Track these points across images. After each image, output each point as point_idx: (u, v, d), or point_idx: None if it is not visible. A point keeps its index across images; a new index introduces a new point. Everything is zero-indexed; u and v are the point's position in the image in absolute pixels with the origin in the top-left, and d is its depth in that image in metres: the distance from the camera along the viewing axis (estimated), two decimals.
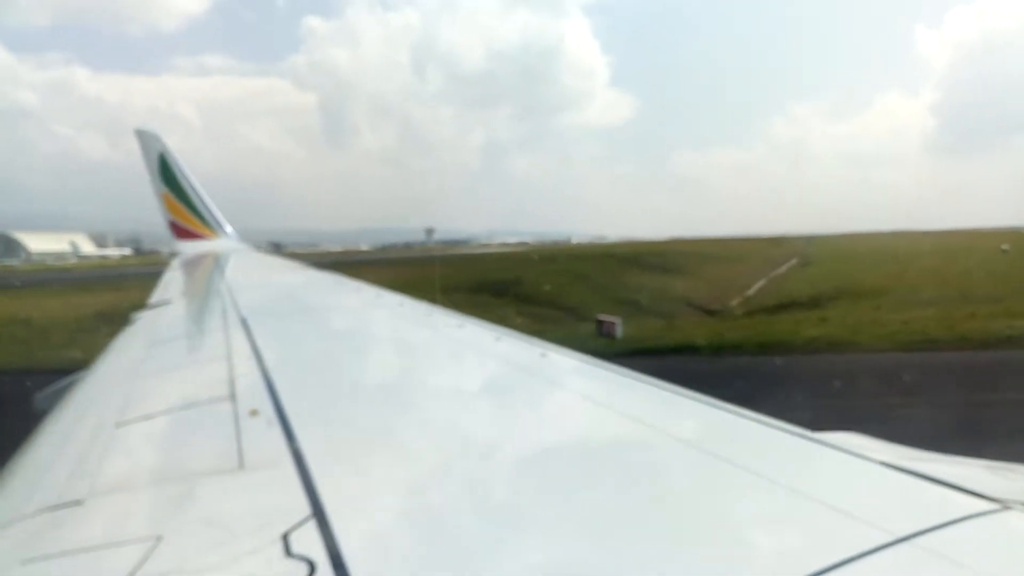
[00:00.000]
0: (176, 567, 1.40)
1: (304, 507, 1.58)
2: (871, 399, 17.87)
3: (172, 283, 9.72)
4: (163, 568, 1.40)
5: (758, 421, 2.22)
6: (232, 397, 2.68)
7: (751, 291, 51.41)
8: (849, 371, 21.67)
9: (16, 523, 1.86)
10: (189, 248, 15.46)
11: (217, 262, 12.20)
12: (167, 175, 15.90)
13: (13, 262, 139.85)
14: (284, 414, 2.38)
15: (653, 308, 39.80)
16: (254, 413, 2.41)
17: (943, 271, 51.72)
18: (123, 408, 2.82)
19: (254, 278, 9.94)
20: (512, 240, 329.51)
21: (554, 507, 1.59)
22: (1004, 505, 1.50)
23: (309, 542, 1.41)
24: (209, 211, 16.34)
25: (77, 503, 1.87)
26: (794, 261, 79.75)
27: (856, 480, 1.77)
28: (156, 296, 7.86)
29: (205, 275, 10.83)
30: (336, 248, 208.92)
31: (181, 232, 16.07)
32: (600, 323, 30.16)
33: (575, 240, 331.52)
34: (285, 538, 1.44)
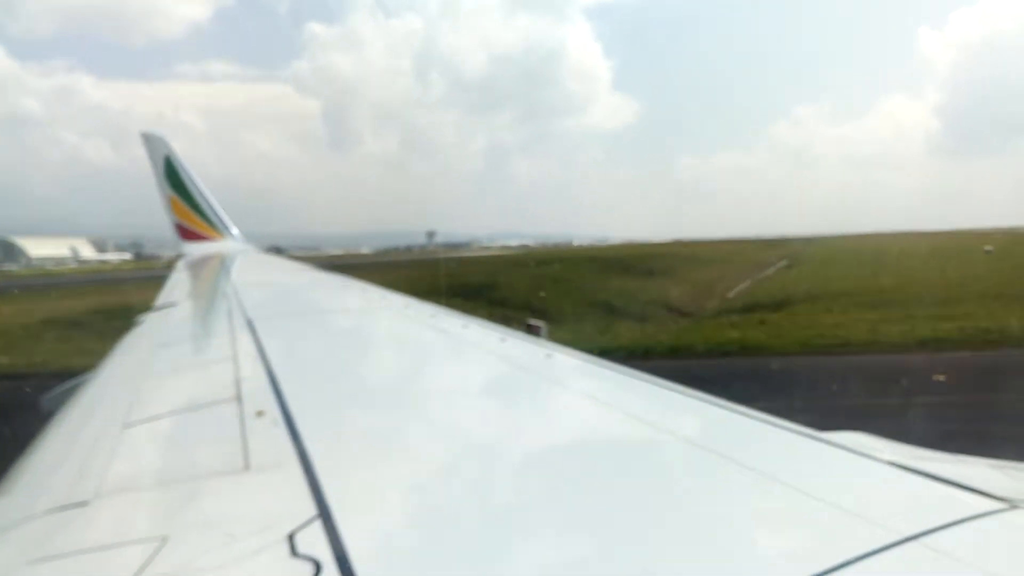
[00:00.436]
0: (182, 567, 1.40)
1: (310, 508, 1.59)
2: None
3: (178, 285, 9.74)
4: (169, 568, 1.40)
5: (764, 421, 2.22)
6: (238, 398, 2.69)
7: (732, 293, 51.57)
8: (708, 375, 21.21)
9: (23, 524, 1.86)
10: (195, 250, 15.46)
11: (223, 263, 12.24)
12: (173, 178, 16.03)
13: (12, 267, 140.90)
14: (290, 415, 2.38)
15: (627, 311, 39.98)
16: (260, 414, 2.42)
17: (917, 273, 51.61)
18: (129, 409, 2.82)
19: (260, 279, 9.94)
20: (513, 243, 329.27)
21: (560, 507, 1.60)
22: (1011, 504, 1.50)
23: (315, 542, 1.42)
24: (215, 213, 16.42)
25: (83, 504, 1.87)
26: (783, 263, 79.83)
27: (863, 480, 1.77)
28: (162, 298, 7.91)
29: (211, 277, 10.90)
30: (337, 251, 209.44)
31: (187, 234, 16.15)
32: (529, 327, 30.54)
33: (577, 242, 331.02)
34: (291, 538, 1.44)
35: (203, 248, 15.56)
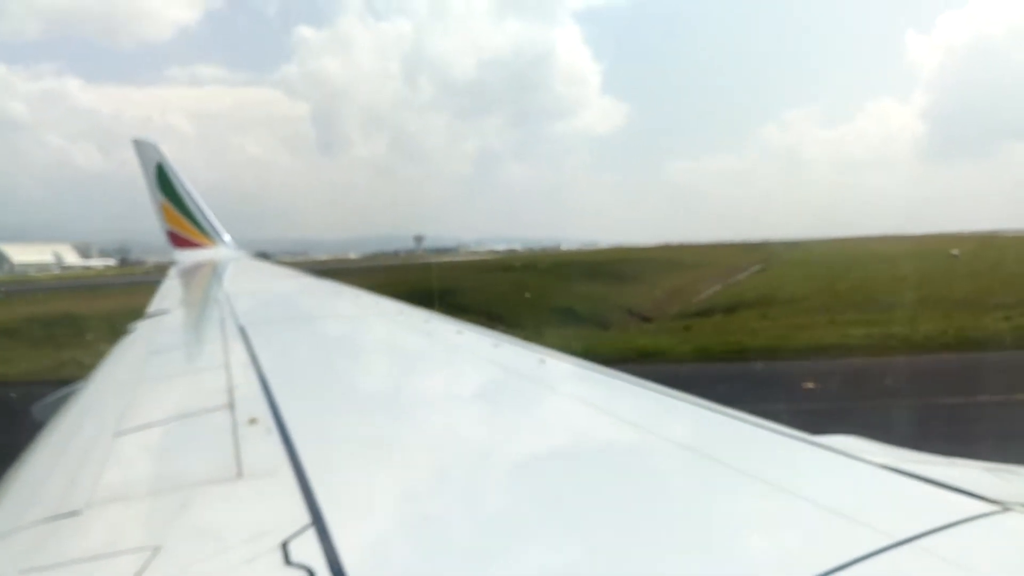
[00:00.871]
0: None
1: (303, 515, 1.58)
2: None
3: (170, 292, 9.71)
4: None
5: (757, 425, 2.23)
6: (231, 406, 2.68)
7: (699, 297, 52.42)
8: None
9: (14, 534, 1.84)
10: (188, 257, 15.30)
11: (215, 270, 12.19)
12: (165, 184, 15.91)
13: None
14: (283, 422, 2.38)
15: (590, 316, 40.75)
16: (253, 422, 2.41)
17: (871, 278, 51.57)
18: (121, 417, 2.81)
19: (252, 286, 9.91)
20: (501, 247, 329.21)
21: (554, 514, 1.60)
22: (1004, 507, 1.50)
23: (308, 551, 1.41)
24: (207, 220, 16.28)
25: (75, 513, 1.86)
26: (757, 268, 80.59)
27: (856, 483, 1.77)
28: (154, 305, 7.89)
29: (203, 283, 10.86)
30: (324, 257, 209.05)
31: (179, 241, 16.05)
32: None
33: (565, 247, 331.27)
34: (284, 547, 1.43)
35: (195, 255, 15.40)
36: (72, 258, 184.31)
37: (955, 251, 76.45)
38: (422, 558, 1.41)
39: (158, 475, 2.17)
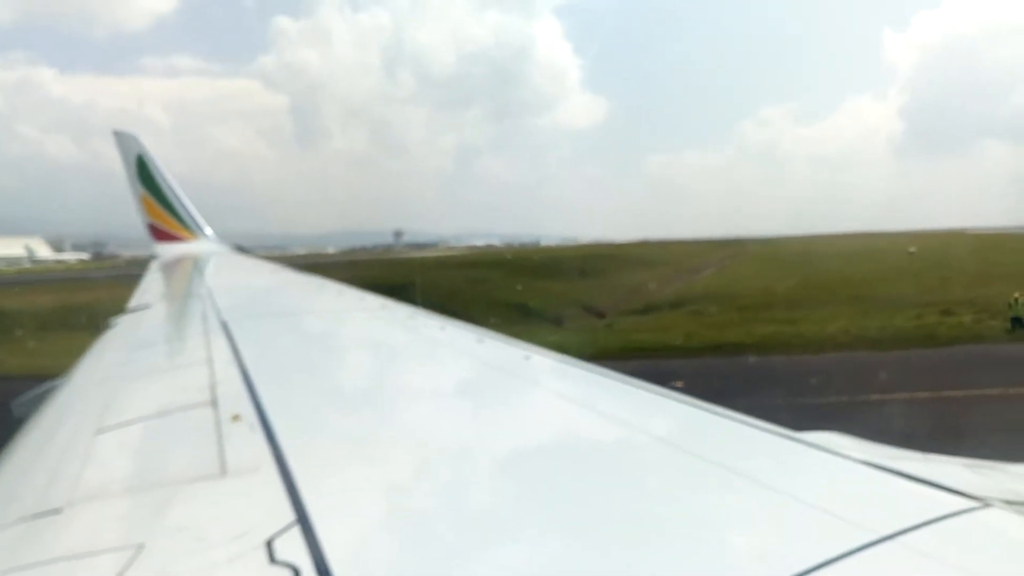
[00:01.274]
0: (158, 575, 1.39)
1: (288, 513, 1.57)
2: None
3: (151, 286, 9.59)
4: None
5: (740, 421, 2.23)
6: (213, 402, 2.66)
7: (654, 294, 53.37)
8: None
9: None
10: (168, 251, 15.09)
11: (196, 265, 12.04)
12: (145, 176, 15.62)
13: None
14: (266, 419, 2.36)
15: (543, 312, 41.72)
16: (236, 418, 2.39)
17: (818, 276, 52.90)
18: (103, 414, 2.78)
19: (234, 281, 9.84)
20: (480, 242, 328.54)
21: (537, 510, 1.60)
22: (984, 503, 1.52)
23: (293, 548, 1.40)
24: (188, 213, 16.02)
25: (57, 511, 1.84)
26: (720, 265, 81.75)
27: (838, 479, 1.78)
28: (135, 300, 7.78)
29: (185, 278, 10.75)
30: (302, 251, 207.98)
31: (160, 234, 15.77)
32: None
33: (545, 242, 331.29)
34: (269, 544, 1.42)
35: (176, 249, 15.14)
36: (44, 252, 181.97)
37: (912, 249, 77.66)
38: (407, 555, 1.41)
39: (141, 472, 2.16)
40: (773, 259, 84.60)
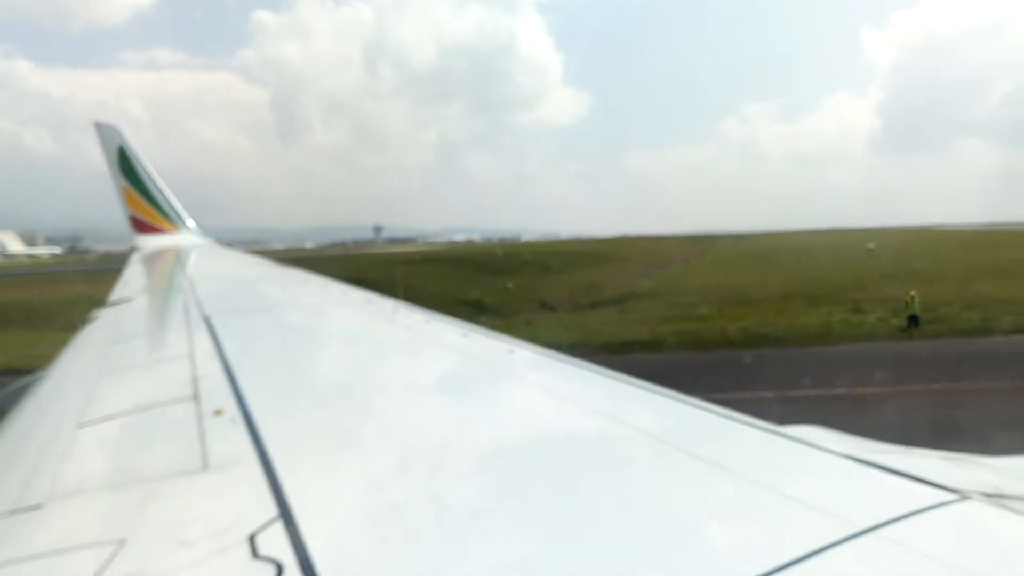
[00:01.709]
0: (140, 571, 1.38)
1: (271, 508, 1.57)
2: None
3: (133, 279, 9.47)
4: (127, 572, 1.37)
5: (722, 415, 2.24)
6: (195, 397, 2.65)
7: (609, 289, 54.21)
8: None
9: None
10: (150, 243, 14.92)
11: (178, 257, 11.93)
12: (127, 168, 15.50)
13: None
14: (249, 413, 2.35)
15: (496, 307, 42.61)
16: (218, 413, 2.38)
17: (770, 272, 54.35)
18: (84, 409, 2.76)
19: (217, 273, 9.78)
20: (460, 238, 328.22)
21: (522, 505, 1.60)
22: (963, 495, 1.54)
23: (276, 543, 1.40)
24: (170, 204, 15.92)
25: (37, 507, 1.83)
26: (686, 261, 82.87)
27: (819, 473, 1.79)
28: (117, 293, 7.68)
29: (167, 271, 10.66)
30: (280, 246, 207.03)
31: (142, 226, 15.63)
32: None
33: (526, 237, 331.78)
34: (252, 540, 1.42)
35: (158, 241, 15.00)
36: (17, 246, 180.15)
37: (871, 245, 78.88)
38: (391, 549, 1.41)
39: (122, 467, 2.14)
40: (734, 256, 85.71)
